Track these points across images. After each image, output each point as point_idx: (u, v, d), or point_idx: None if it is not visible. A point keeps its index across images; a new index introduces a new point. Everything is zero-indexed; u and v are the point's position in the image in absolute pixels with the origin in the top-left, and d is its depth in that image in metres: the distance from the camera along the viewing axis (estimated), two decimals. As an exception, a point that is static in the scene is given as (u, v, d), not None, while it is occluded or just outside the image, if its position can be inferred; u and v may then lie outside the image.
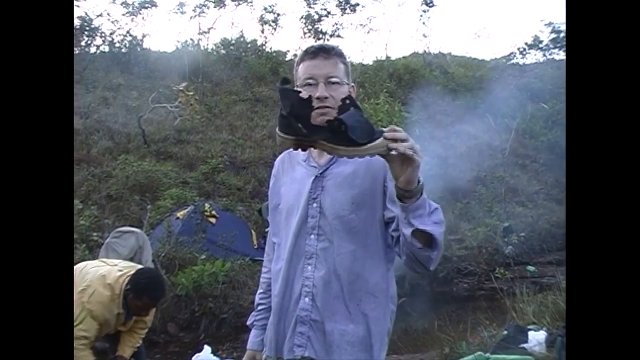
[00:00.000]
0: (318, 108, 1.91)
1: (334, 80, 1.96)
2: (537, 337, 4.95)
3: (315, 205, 2.00)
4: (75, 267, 4.24)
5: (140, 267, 4.29)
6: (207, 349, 5.33)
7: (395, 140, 1.57)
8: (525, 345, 4.92)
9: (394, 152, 1.58)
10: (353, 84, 2.09)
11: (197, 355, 5.30)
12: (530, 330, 5.18)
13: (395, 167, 1.62)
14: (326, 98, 1.92)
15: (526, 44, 25.10)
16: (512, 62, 25.50)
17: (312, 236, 2.00)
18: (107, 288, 3.88)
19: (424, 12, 27.19)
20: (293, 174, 2.15)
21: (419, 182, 1.64)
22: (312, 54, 1.99)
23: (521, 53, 25.29)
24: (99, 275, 3.95)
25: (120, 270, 4.05)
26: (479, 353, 4.88)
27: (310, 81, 1.97)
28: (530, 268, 10.66)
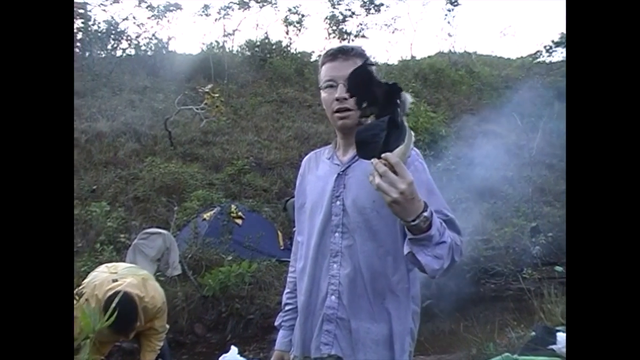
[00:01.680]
0: (337, 111, 1.97)
1: None
2: (565, 338, 4.89)
3: (338, 202, 2.02)
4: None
5: (124, 282, 4.00)
6: (234, 349, 5.34)
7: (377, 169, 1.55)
8: (553, 347, 4.87)
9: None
10: None
11: (223, 355, 5.31)
12: (559, 331, 5.12)
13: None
14: (345, 99, 1.94)
15: (552, 41, 24.74)
16: (538, 60, 25.16)
17: (337, 234, 2.01)
18: (93, 299, 3.82)
19: (449, 10, 27.11)
20: (317, 171, 2.18)
21: (416, 219, 1.60)
22: (331, 55, 2.01)
23: (547, 51, 24.94)
24: (92, 284, 3.91)
25: (115, 280, 3.96)
26: (506, 354, 4.84)
27: (331, 82, 2.00)
28: (558, 268, 10.54)
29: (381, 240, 1.96)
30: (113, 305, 3.71)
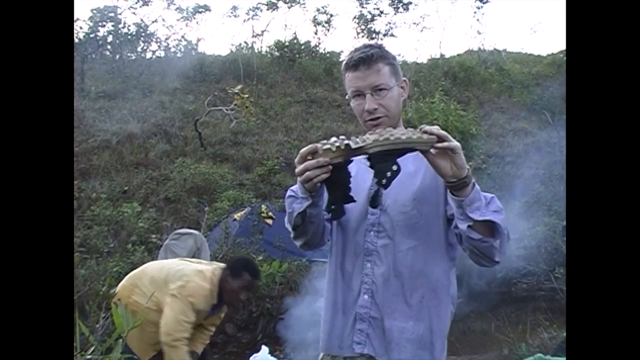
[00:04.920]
0: (370, 120, 1.98)
1: (379, 87, 1.95)
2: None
3: None
4: (151, 266, 4.40)
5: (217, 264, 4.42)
6: (264, 349, 5.35)
7: (439, 138, 1.64)
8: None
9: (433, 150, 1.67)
10: (404, 78, 2.08)
11: (254, 355, 5.32)
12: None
13: (441, 161, 1.68)
14: (375, 109, 1.95)
15: (584, 37, 24.41)
16: (570, 56, 24.86)
17: (372, 233, 2.00)
18: (206, 281, 4.00)
19: (478, 8, 27.01)
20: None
21: (467, 170, 1.69)
22: (353, 66, 1.97)
23: (579, 47, 24.64)
24: (195, 270, 4.06)
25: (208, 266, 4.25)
26: (539, 355, 4.79)
27: (358, 92, 1.98)
28: (591, 267, 10.39)
29: (421, 237, 1.95)
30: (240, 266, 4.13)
